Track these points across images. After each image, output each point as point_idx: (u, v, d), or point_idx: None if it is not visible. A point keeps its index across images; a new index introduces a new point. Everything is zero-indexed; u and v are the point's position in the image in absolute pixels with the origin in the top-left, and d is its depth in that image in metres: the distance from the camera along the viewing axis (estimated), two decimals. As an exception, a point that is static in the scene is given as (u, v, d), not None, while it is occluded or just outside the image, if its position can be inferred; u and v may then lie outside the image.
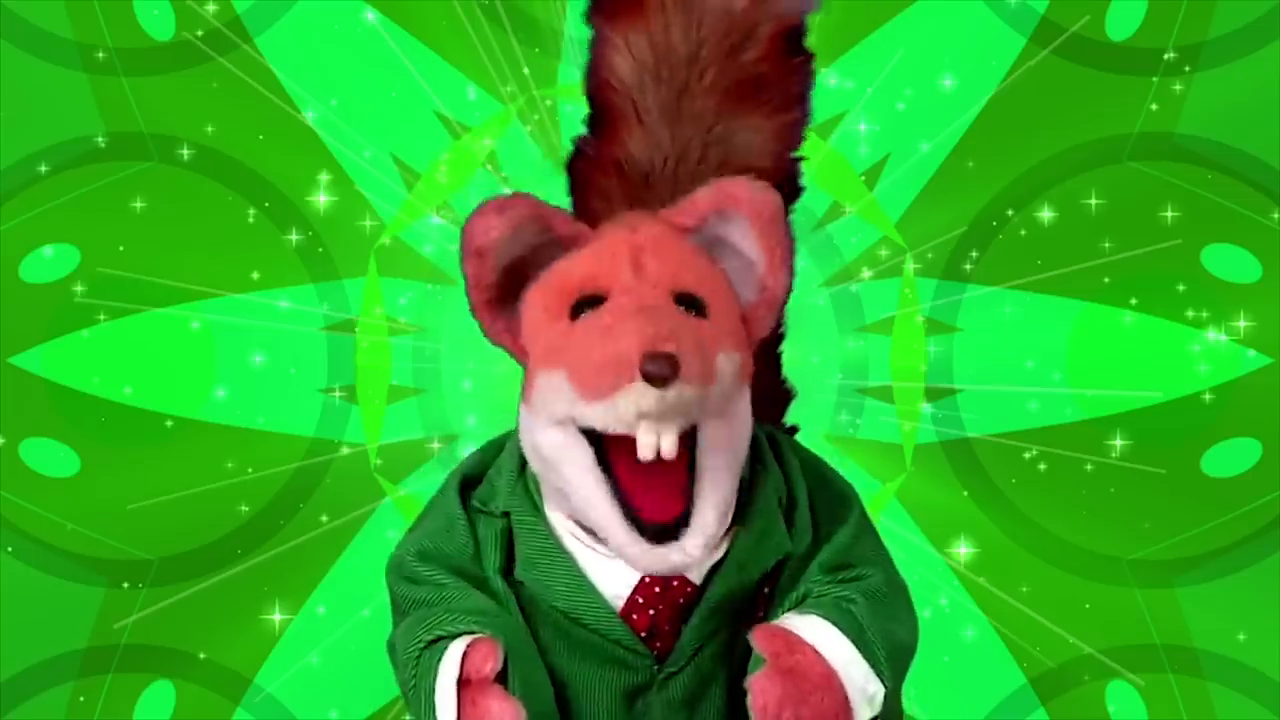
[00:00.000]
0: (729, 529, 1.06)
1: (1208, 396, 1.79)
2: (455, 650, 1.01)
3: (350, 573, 1.81)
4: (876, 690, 1.02)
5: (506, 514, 1.09)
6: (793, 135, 1.16)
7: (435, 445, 1.83)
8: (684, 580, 1.05)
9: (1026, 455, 1.81)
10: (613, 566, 1.05)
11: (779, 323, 1.20)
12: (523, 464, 1.09)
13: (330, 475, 1.83)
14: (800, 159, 1.17)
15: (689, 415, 0.97)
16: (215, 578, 1.81)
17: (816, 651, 1.01)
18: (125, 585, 1.81)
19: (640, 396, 0.94)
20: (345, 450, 1.83)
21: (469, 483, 1.13)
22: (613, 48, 1.14)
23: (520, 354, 1.05)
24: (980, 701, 1.80)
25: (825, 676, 1.00)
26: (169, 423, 1.82)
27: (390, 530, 1.80)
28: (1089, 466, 1.80)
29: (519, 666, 1.02)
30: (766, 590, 1.08)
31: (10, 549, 1.80)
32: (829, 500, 1.12)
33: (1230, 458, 1.79)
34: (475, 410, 1.82)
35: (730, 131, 1.13)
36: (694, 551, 0.99)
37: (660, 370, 0.93)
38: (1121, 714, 1.80)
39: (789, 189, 1.17)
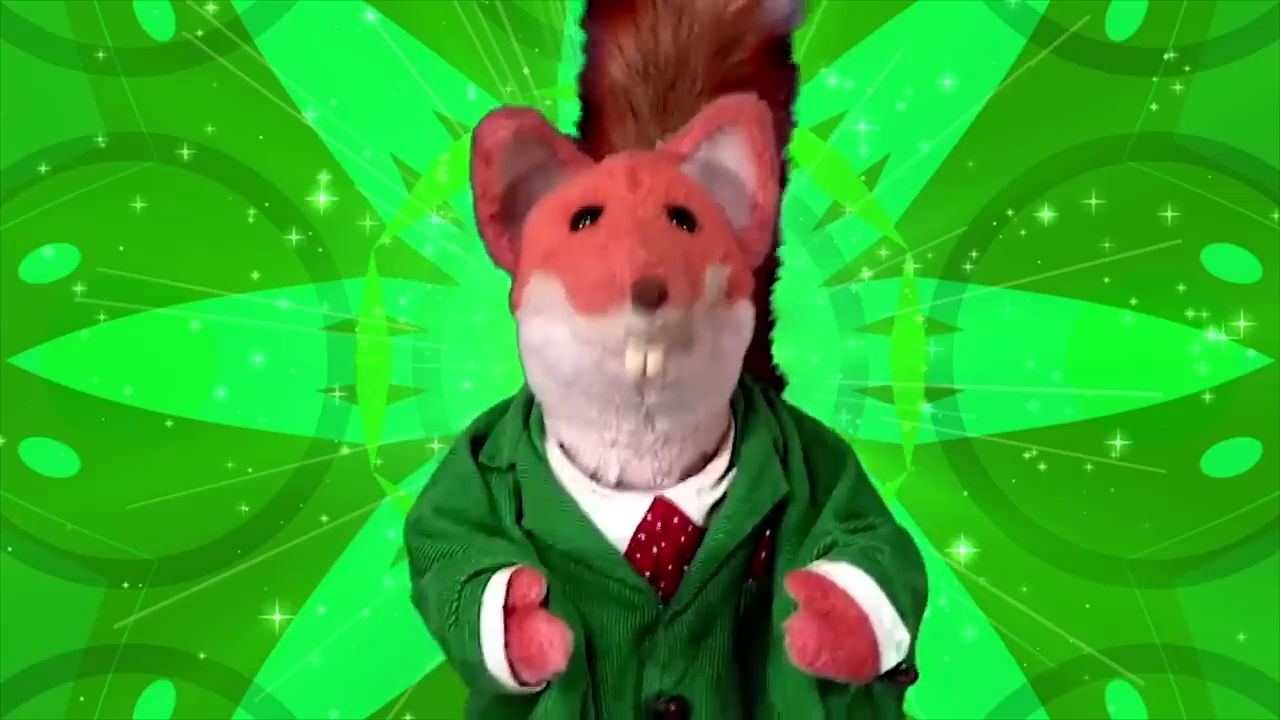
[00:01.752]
0: (725, 472, 1.08)
1: (1208, 396, 1.79)
2: (499, 580, 1.03)
3: (350, 573, 1.81)
4: (903, 637, 1.04)
5: (513, 466, 1.11)
6: (780, 136, 1.17)
7: (435, 445, 1.83)
8: (685, 520, 1.07)
9: (1026, 455, 1.81)
10: (616, 509, 1.07)
11: (768, 311, 1.20)
12: (525, 419, 1.12)
13: (330, 475, 1.83)
14: (787, 160, 1.18)
15: (675, 338, 1.00)
16: (215, 578, 1.81)
17: (849, 596, 1.02)
18: (125, 585, 1.81)
19: (630, 318, 0.98)
20: (345, 450, 1.83)
21: (478, 442, 1.15)
22: (607, 52, 1.15)
23: (519, 271, 1.07)
24: (980, 701, 1.80)
25: (858, 621, 1.02)
26: (169, 423, 1.82)
27: (390, 530, 1.80)
28: (1089, 466, 1.80)
29: (556, 601, 1.04)
30: (768, 533, 1.10)
31: (10, 549, 1.80)
32: (825, 453, 1.14)
33: (1230, 458, 1.79)
34: (475, 410, 1.81)
35: None
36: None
37: (649, 296, 0.97)
38: (1121, 714, 1.80)
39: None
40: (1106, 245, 1.80)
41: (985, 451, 1.82)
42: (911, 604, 1.06)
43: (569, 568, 1.08)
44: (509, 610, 1.01)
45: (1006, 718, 1.80)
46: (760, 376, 1.19)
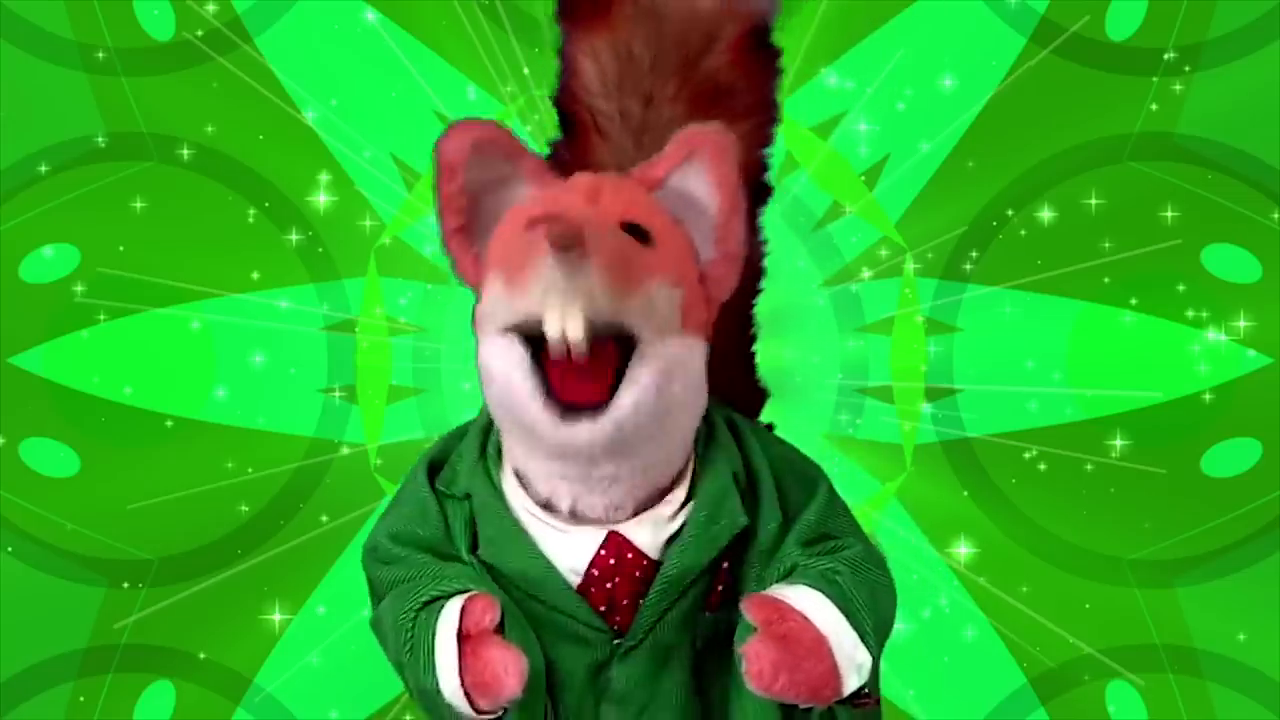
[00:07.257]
0: (683, 504, 1.08)
1: (1208, 396, 1.79)
2: (453, 606, 1.02)
3: (350, 573, 1.81)
4: (864, 659, 1.04)
5: (468, 496, 1.10)
6: (761, 137, 1.17)
7: (435, 445, 1.83)
8: (639, 554, 1.06)
9: (1026, 455, 1.81)
10: (570, 542, 1.06)
11: (750, 323, 1.20)
12: (482, 448, 1.11)
13: (330, 475, 1.83)
14: (768, 159, 1.18)
15: (596, 304, 0.97)
16: (215, 578, 1.81)
17: (807, 619, 1.02)
18: (125, 585, 1.81)
19: (548, 270, 0.95)
20: (345, 450, 1.83)
21: (435, 467, 1.14)
22: (581, 53, 1.15)
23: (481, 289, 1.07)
24: (980, 701, 1.80)
25: (816, 643, 1.02)
26: (169, 423, 1.82)
27: (390, 530, 1.80)
28: (1089, 466, 1.80)
29: (512, 627, 1.04)
30: (725, 565, 1.09)
31: (10, 549, 1.80)
32: (795, 481, 1.13)
33: (1230, 458, 1.79)
34: (475, 410, 1.81)
35: None
36: (605, 426, 1.00)
37: (563, 237, 0.94)
38: (1121, 714, 1.80)
39: (759, 189, 1.18)
40: (1106, 245, 1.80)
41: (985, 451, 1.82)
42: (873, 626, 1.05)
43: (522, 600, 1.07)
44: (464, 637, 1.01)
45: (1006, 718, 1.80)
46: (742, 390, 1.19)
